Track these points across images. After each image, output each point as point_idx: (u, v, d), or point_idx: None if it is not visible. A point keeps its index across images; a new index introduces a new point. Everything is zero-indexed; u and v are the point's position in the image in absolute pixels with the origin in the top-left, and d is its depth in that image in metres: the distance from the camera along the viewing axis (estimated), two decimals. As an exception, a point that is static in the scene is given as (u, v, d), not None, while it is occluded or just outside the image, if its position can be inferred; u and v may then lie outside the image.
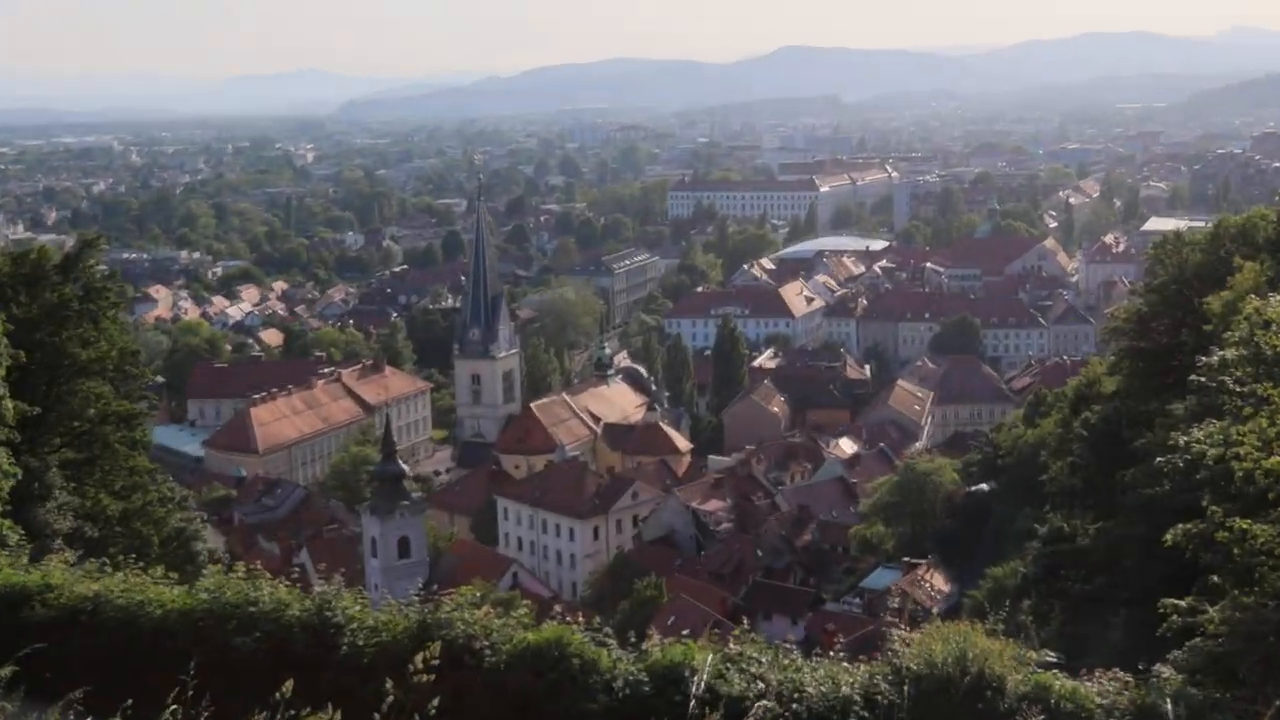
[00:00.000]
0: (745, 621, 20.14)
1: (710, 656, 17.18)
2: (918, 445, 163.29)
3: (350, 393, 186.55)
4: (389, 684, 13.11)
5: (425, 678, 13.17)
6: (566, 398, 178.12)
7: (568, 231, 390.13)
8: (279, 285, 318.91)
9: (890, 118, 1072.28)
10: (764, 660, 17.10)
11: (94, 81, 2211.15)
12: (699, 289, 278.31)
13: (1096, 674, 17.82)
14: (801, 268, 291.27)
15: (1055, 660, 17.48)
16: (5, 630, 19.74)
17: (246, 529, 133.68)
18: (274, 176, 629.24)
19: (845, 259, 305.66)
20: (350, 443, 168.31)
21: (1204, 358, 35.23)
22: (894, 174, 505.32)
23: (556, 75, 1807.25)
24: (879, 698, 16.92)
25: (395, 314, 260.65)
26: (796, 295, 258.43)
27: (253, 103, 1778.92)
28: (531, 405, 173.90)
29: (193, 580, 20.80)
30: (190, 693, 13.41)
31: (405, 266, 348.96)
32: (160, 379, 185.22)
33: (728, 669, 16.98)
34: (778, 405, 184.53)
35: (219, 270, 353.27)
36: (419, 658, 13.28)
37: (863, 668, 17.43)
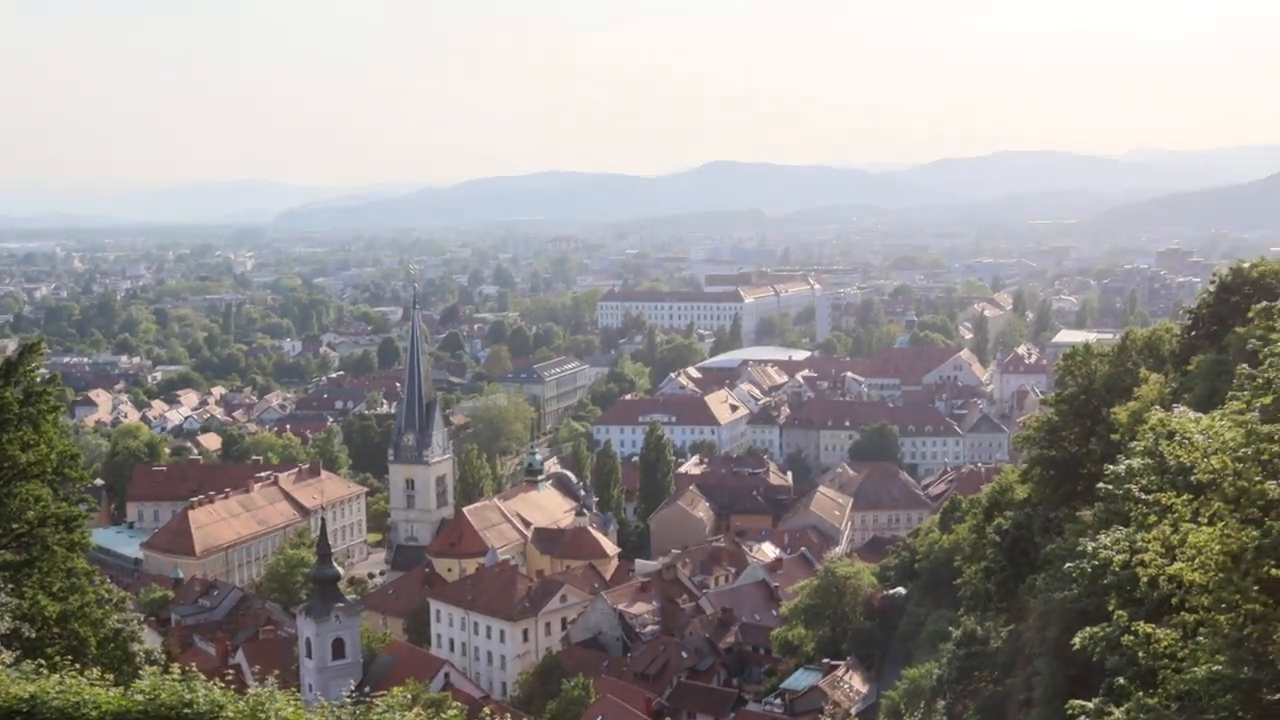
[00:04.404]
0: (668, 723, 20.15)
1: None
2: (837, 550, 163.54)
3: (287, 496, 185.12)
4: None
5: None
6: (498, 503, 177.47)
7: (500, 340, 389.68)
8: (218, 390, 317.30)
9: (813, 231, 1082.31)
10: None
11: (38, 189, 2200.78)
12: (627, 397, 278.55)
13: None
14: (727, 377, 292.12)
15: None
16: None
17: (184, 630, 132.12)
18: (214, 283, 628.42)
19: (769, 368, 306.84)
20: (286, 545, 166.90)
21: (1110, 467, 35.72)
22: (816, 286, 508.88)
23: (491, 188, 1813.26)
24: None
25: (332, 419, 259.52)
26: (722, 404, 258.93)
27: (194, 211, 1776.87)
28: (464, 510, 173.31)
29: (129, 682, 20.62)
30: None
31: (342, 373, 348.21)
32: (100, 482, 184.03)
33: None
34: (703, 510, 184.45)
35: (159, 375, 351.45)
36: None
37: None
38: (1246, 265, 71.00)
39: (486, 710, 19.66)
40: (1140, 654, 26.59)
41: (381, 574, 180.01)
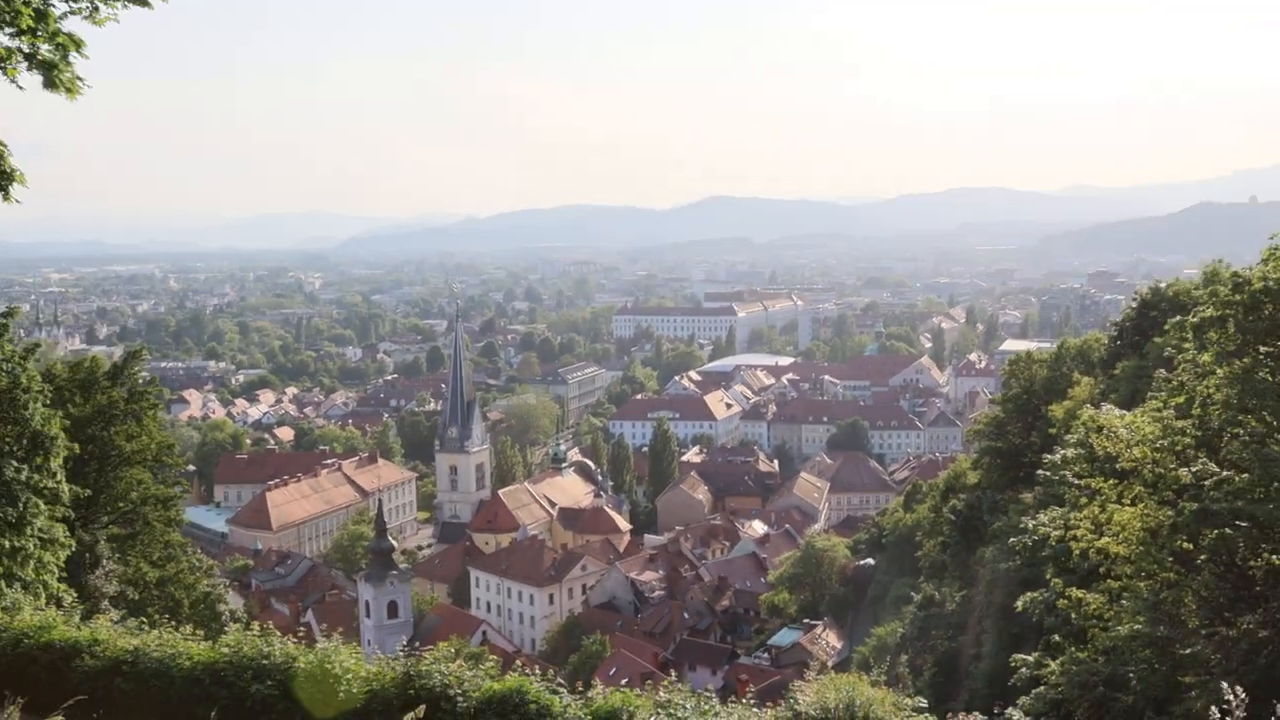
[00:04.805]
0: (673, 673, 20.18)
1: (652, 702, 17.26)
2: (816, 526, 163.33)
3: (349, 480, 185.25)
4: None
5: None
6: (528, 486, 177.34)
7: (530, 348, 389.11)
8: (291, 390, 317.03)
9: (795, 256, 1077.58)
10: (689, 706, 17.16)
11: (139, 219, 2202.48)
12: (638, 396, 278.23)
13: (960, 717, 17.96)
14: (722, 379, 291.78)
15: (926, 706, 17.62)
16: (59, 678, 19.70)
17: (262, 593, 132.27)
18: (288, 300, 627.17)
19: (758, 372, 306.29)
20: (349, 522, 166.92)
21: (1048, 456, 35.66)
22: (799, 302, 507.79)
23: (522, 219, 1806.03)
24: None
25: (387, 415, 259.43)
26: (718, 402, 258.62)
27: (270, 238, 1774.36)
28: (499, 492, 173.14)
29: (216, 637, 20.71)
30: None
31: (396, 376, 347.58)
32: (192, 468, 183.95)
33: (659, 713, 17.04)
34: (702, 493, 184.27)
35: (241, 377, 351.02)
36: (409, 717, 13.35)
37: (769, 712, 17.51)
38: (1163, 285, 70.88)
39: (518, 662, 19.70)
40: (1073, 615, 26.59)
41: (429, 546, 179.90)
